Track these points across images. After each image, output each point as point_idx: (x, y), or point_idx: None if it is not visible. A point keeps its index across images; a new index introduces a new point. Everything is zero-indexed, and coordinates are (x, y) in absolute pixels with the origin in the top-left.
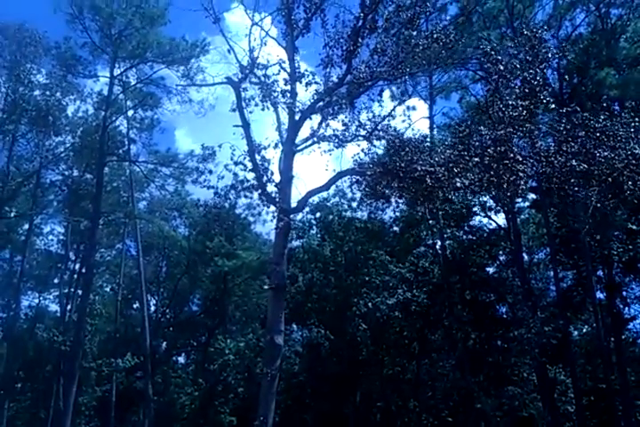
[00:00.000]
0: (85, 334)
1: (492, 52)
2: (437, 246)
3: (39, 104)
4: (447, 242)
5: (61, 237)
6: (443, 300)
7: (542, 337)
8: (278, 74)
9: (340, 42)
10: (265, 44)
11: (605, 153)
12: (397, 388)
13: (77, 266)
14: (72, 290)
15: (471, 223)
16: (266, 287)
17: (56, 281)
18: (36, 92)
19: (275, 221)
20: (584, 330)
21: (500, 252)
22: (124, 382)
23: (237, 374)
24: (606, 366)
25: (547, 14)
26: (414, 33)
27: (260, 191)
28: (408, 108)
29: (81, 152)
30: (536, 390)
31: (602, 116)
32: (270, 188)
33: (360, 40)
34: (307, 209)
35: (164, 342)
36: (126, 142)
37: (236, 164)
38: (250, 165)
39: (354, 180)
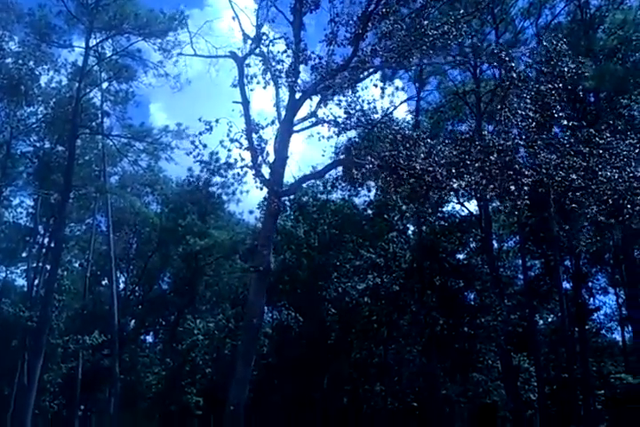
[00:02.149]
0: (52, 309)
1: (507, 58)
2: (409, 232)
3: (11, 72)
4: (419, 228)
5: (31, 210)
6: (412, 285)
7: (508, 325)
8: (285, 52)
9: (348, 23)
10: (273, 21)
11: (608, 172)
12: (365, 372)
13: (46, 240)
14: (40, 264)
15: (443, 209)
16: (251, 270)
17: (24, 255)
18: (8, 60)
19: (264, 202)
20: (549, 319)
21: (471, 239)
22: (91, 360)
23: (206, 355)
24: (569, 356)
25: (527, 2)
26: (425, 22)
27: (254, 172)
28: (397, 88)
29: (53, 123)
30: (500, 378)
31: (607, 133)
32: (264, 169)
33: (370, 25)
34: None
35: (133, 321)
36: (100, 115)
37: (231, 140)
38: (246, 144)
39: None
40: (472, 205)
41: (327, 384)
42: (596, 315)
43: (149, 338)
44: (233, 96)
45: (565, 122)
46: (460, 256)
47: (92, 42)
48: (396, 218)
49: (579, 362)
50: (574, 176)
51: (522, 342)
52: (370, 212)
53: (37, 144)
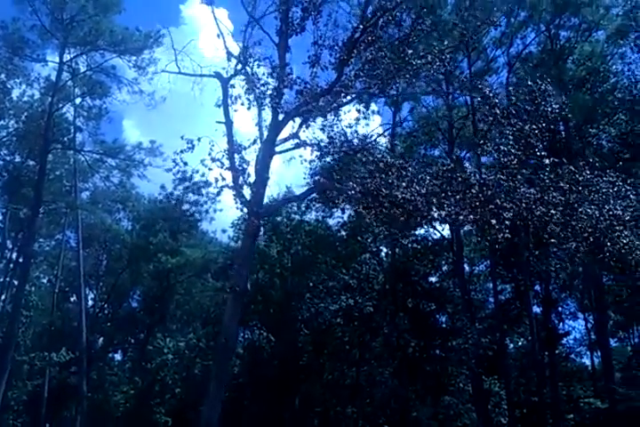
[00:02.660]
0: (19, 325)
1: (490, 95)
2: (382, 254)
3: None
4: (392, 250)
5: None
6: (384, 307)
7: (479, 348)
8: (270, 75)
9: (333, 48)
10: (259, 44)
11: (588, 209)
12: (336, 393)
13: (14, 255)
14: (7, 280)
15: (416, 233)
16: (227, 290)
17: None
18: None
19: (243, 222)
20: (520, 343)
21: (443, 262)
22: (58, 378)
23: (175, 375)
24: (539, 380)
25: (499, 31)
26: (410, 51)
27: (234, 192)
28: (373, 112)
29: (24, 137)
30: (471, 401)
31: (587, 171)
32: (245, 190)
33: (355, 51)
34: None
35: (101, 338)
36: (72, 130)
37: (213, 160)
38: (227, 164)
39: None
40: (444, 229)
41: (298, 405)
42: (565, 340)
43: (118, 356)
44: (209, 114)
45: (547, 160)
46: (433, 279)
47: (67, 57)
48: (369, 240)
49: (548, 386)
50: (554, 211)
51: (492, 366)
52: (343, 233)
53: (8, 158)
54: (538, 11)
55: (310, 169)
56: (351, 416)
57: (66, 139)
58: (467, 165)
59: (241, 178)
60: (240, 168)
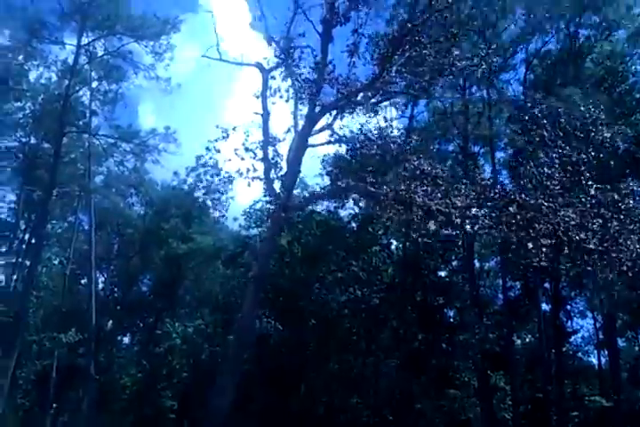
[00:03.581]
0: (30, 305)
1: (538, 114)
2: (392, 247)
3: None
4: (404, 243)
5: (13, 206)
6: (393, 300)
7: (486, 343)
8: (313, 69)
9: (378, 43)
10: (304, 36)
11: (629, 241)
12: (342, 384)
13: (27, 236)
14: (20, 260)
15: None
16: (250, 279)
17: (3, 249)
18: None
19: (271, 213)
20: (527, 340)
21: (453, 257)
22: (66, 359)
23: (183, 359)
24: (545, 377)
25: (518, 27)
26: (456, 52)
27: (265, 185)
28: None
29: (40, 120)
30: (476, 395)
31: (630, 200)
32: (276, 183)
33: (400, 49)
34: (265, 198)
35: (110, 321)
36: (87, 114)
37: (247, 150)
38: (260, 155)
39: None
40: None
41: (304, 394)
42: (573, 338)
43: (126, 339)
44: (221, 101)
45: (592, 190)
46: (442, 273)
47: (84, 40)
48: (380, 232)
49: (554, 383)
50: (593, 239)
51: (498, 361)
52: (354, 224)
53: (23, 140)
54: (559, 8)
55: (323, 161)
56: (356, 406)
57: (81, 122)
58: (482, 163)
59: (273, 171)
60: (273, 161)
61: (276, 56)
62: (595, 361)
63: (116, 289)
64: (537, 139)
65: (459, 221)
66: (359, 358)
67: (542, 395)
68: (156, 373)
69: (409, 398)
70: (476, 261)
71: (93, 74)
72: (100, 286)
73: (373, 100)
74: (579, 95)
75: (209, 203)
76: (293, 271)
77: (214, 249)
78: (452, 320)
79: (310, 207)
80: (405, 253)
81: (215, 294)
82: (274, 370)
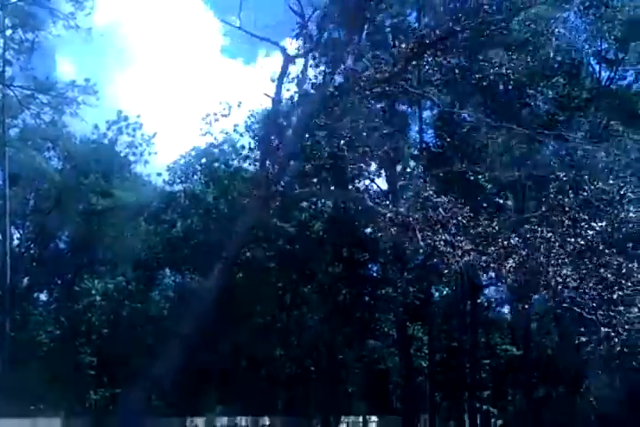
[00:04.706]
0: None
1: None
2: (319, 204)
3: None
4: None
5: None
6: (320, 256)
7: (407, 297)
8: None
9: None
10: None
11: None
12: (266, 337)
13: None
14: None
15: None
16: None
17: None
18: None
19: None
20: (444, 292)
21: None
22: None
23: (103, 316)
24: (460, 327)
25: None
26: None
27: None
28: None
29: None
30: (394, 346)
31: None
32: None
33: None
34: (192, 153)
35: (26, 278)
36: (1, 63)
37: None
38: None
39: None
40: (383, 183)
41: (227, 349)
42: (487, 290)
43: (43, 296)
44: (142, 57)
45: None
46: (368, 230)
47: None
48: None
49: (468, 333)
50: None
51: (417, 313)
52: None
53: None
54: None
55: None
56: (279, 359)
57: None
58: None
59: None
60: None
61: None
62: (507, 312)
63: (32, 246)
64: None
65: (452, 256)
66: (284, 312)
67: (457, 344)
68: (75, 329)
69: (331, 350)
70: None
71: (7, 21)
72: (16, 242)
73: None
74: (504, 57)
75: (130, 158)
76: (220, 227)
77: (136, 205)
78: (375, 275)
79: (237, 163)
80: (334, 210)
81: (137, 251)
82: (197, 325)
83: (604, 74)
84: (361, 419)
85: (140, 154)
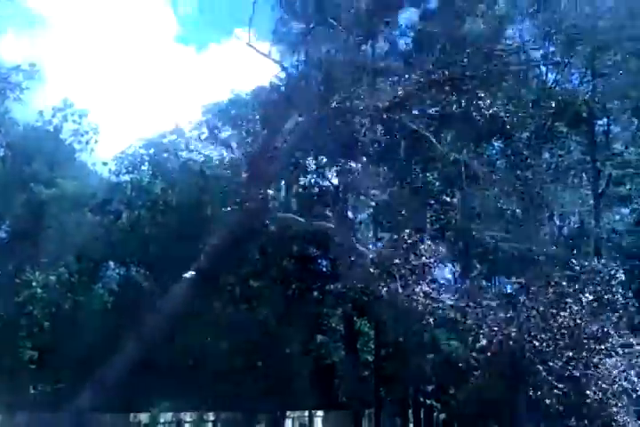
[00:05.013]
0: None
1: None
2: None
3: None
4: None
5: None
6: (272, 252)
7: (356, 292)
8: None
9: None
10: None
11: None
12: (213, 332)
13: None
14: None
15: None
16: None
17: None
18: None
19: None
20: None
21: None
22: None
23: (45, 309)
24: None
25: None
26: None
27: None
28: None
29: None
30: (341, 340)
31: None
32: None
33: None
34: (140, 143)
35: None
36: None
37: None
38: None
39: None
40: (332, 178)
41: (172, 343)
42: None
43: None
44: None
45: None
46: None
47: None
48: None
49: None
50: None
51: (364, 308)
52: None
53: None
54: None
55: None
56: (226, 354)
57: None
58: None
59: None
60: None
61: None
62: None
63: None
64: None
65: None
66: (230, 306)
67: (403, 339)
68: (15, 322)
69: (278, 344)
70: (350, 212)
71: None
72: None
73: None
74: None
75: (76, 146)
76: (168, 219)
77: (81, 195)
78: (325, 270)
79: (185, 155)
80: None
81: (81, 242)
82: (142, 321)
83: (551, 76)
84: (307, 414)
85: (85, 142)
